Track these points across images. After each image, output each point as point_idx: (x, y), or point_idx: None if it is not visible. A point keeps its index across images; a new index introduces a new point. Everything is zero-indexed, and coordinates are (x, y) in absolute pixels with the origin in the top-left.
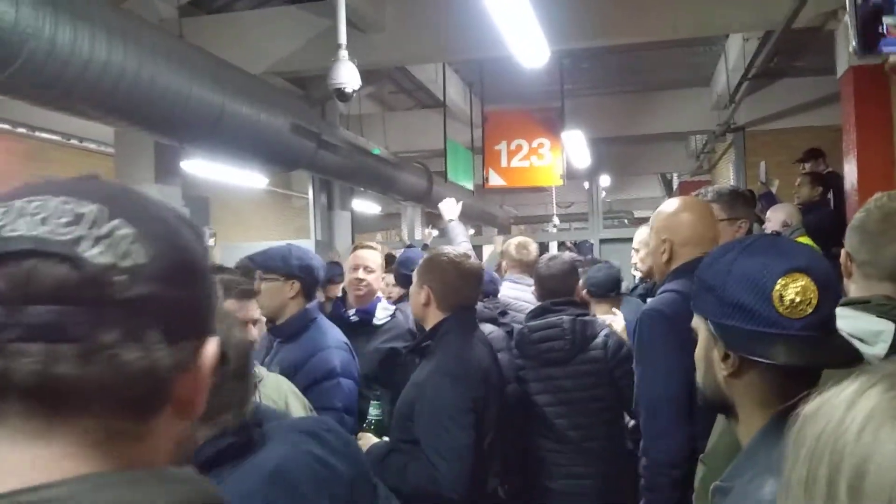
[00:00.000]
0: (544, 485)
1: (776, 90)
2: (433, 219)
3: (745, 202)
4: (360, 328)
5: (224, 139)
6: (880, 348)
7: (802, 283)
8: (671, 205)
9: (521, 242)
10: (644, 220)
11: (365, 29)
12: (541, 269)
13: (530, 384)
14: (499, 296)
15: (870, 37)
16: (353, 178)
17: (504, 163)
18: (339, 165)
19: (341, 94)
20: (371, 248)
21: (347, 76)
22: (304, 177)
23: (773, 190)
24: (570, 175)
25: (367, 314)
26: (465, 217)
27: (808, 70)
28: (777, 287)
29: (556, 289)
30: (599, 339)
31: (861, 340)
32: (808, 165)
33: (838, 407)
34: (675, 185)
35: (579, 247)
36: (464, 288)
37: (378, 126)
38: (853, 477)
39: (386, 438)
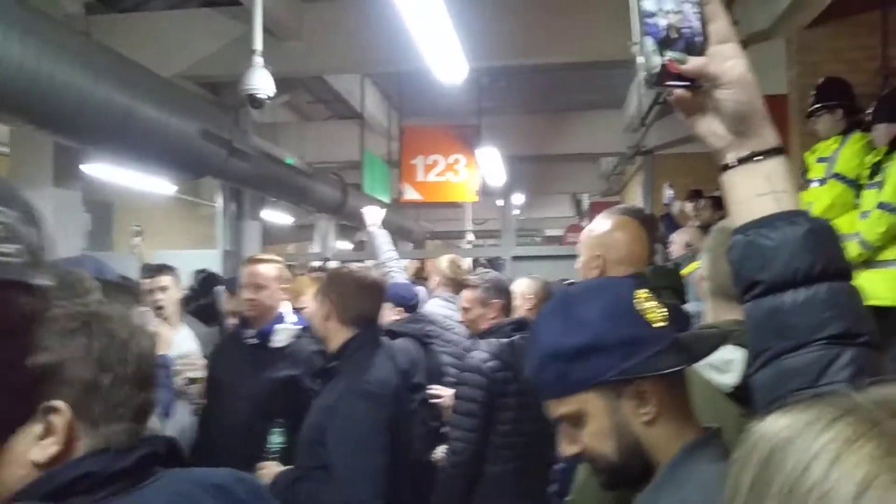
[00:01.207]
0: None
1: None
2: (348, 231)
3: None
4: (258, 352)
5: (129, 143)
6: (731, 377)
7: (645, 291)
8: (605, 222)
9: (453, 259)
10: (555, 239)
11: (282, 36)
12: (508, 285)
13: (514, 398)
14: (427, 312)
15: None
16: (265, 188)
17: (420, 177)
18: (251, 174)
19: (254, 101)
20: (263, 261)
21: (261, 83)
22: (213, 184)
23: (675, 211)
24: (485, 192)
25: (264, 336)
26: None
27: None
28: (638, 305)
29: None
30: None
31: (714, 368)
32: (688, 204)
33: (820, 458)
34: (586, 205)
35: (492, 263)
36: (365, 300)
37: (293, 135)
38: None
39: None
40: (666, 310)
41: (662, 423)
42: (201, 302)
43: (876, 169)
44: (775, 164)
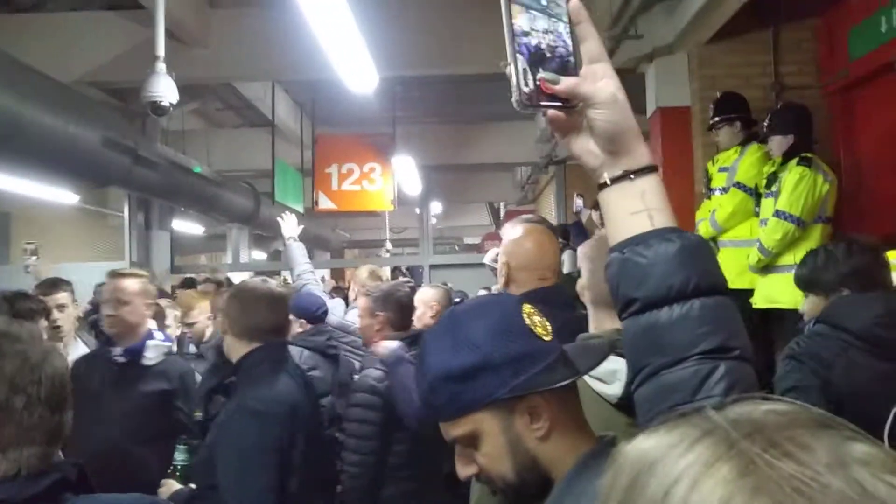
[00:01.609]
0: None
1: None
2: (263, 241)
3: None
4: (129, 369)
5: (23, 150)
6: (617, 387)
7: (529, 308)
8: (512, 230)
9: (373, 270)
10: (473, 247)
11: (188, 42)
12: (402, 298)
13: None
14: (349, 321)
15: (528, 91)
16: (173, 197)
17: (335, 186)
18: (158, 183)
19: (157, 108)
20: (126, 276)
21: (164, 89)
22: (120, 194)
23: (584, 220)
24: (402, 201)
25: (134, 354)
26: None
27: None
28: (526, 320)
29: (405, 319)
30: None
31: (599, 380)
32: (595, 213)
33: (681, 481)
34: (503, 214)
35: (412, 272)
36: (263, 313)
37: (202, 143)
38: None
39: (192, 486)
40: (549, 324)
41: (556, 437)
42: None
43: (773, 178)
44: (649, 182)
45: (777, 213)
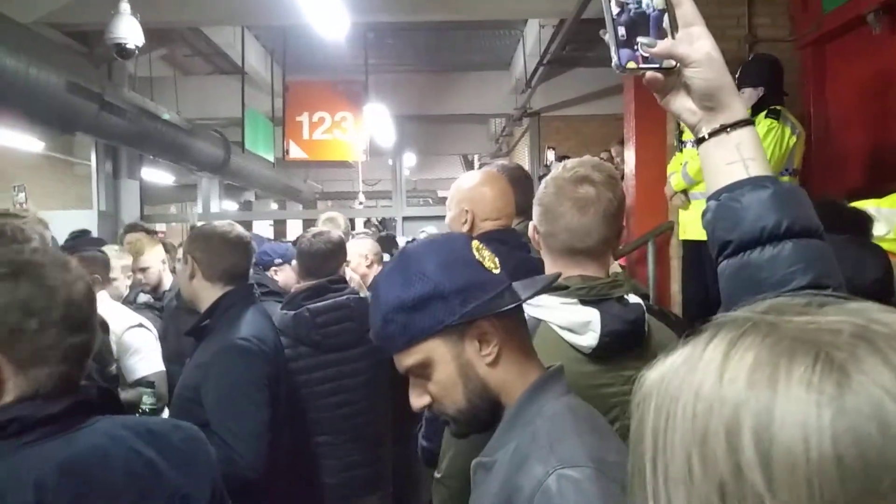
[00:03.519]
0: (321, 482)
1: (569, 78)
2: (233, 191)
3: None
4: None
5: None
6: (591, 337)
7: (478, 244)
8: (472, 177)
9: (331, 217)
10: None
11: None
12: (302, 246)
13: (305, 374)
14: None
15: (626, 55)
16: (141, 145)
17: (306, 135)
18: (125, 130)
19: (122, 51)
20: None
21: (128, 31)
22: (87, 142)
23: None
24: (375, 152)
25: None
26: (267, 190)
27: (598, 61)
28: (476, 254)
29: (316, 269)
30: None
31: (571, 331)
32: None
33: (710, 364)
34: (476, 166)
35: (384, 223)
36: (230, 256)
37: (171, 90)
38: (759, 441)
39: None
40: (497, 259)
41: (505, 362)
42: None
43: None
44: (744, 135)
45: None
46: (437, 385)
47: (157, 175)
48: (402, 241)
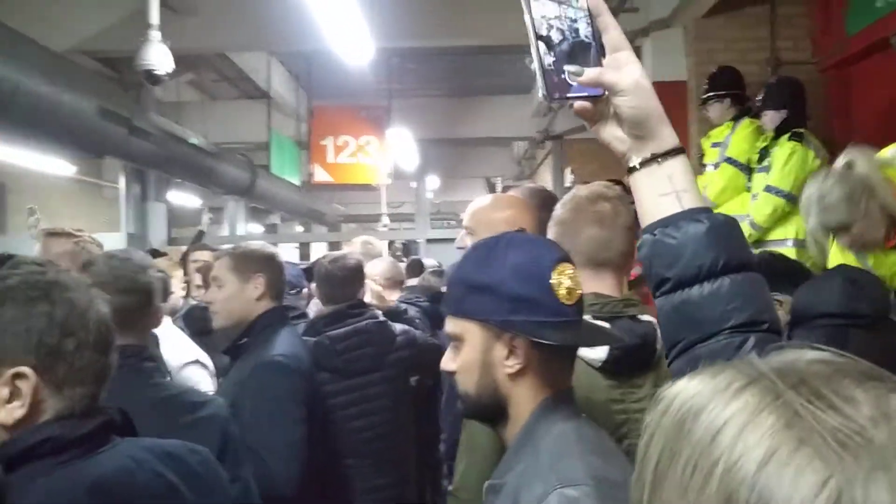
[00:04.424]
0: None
1: None
2: (259, 214)
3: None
4: None
5: (18, 120)
6: (600, 351)
7: (571, 270)
8: (485, 200)
9: (366, 241)
10: None
11: (181, 11)
12: (320, 271)
13: (331, 399)
14: None
15: (554, 84)
16: (169, 168)
17: (331, 158)
18: (153, 154)
19: (152, 77)
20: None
21: (158, 58)
22: (116, 165)
23: None
24: (398, 175)
25: None
26: (292, 213)
27: None
28: (554, 277)
29: (335, 295)
30: (400, 339)
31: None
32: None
33: (728, 427)
34: (499, 189)
35: (407, 246)
36: (283, 276)
37: (198, 115)
38: None
39: None
40: (579, 291)
41: (523, 382)
42: None
43: (764, 153)
44: (676, 165)
45: (767, 189)
46: (461, 362)
47: (184, 198)
48: (427, 262)
